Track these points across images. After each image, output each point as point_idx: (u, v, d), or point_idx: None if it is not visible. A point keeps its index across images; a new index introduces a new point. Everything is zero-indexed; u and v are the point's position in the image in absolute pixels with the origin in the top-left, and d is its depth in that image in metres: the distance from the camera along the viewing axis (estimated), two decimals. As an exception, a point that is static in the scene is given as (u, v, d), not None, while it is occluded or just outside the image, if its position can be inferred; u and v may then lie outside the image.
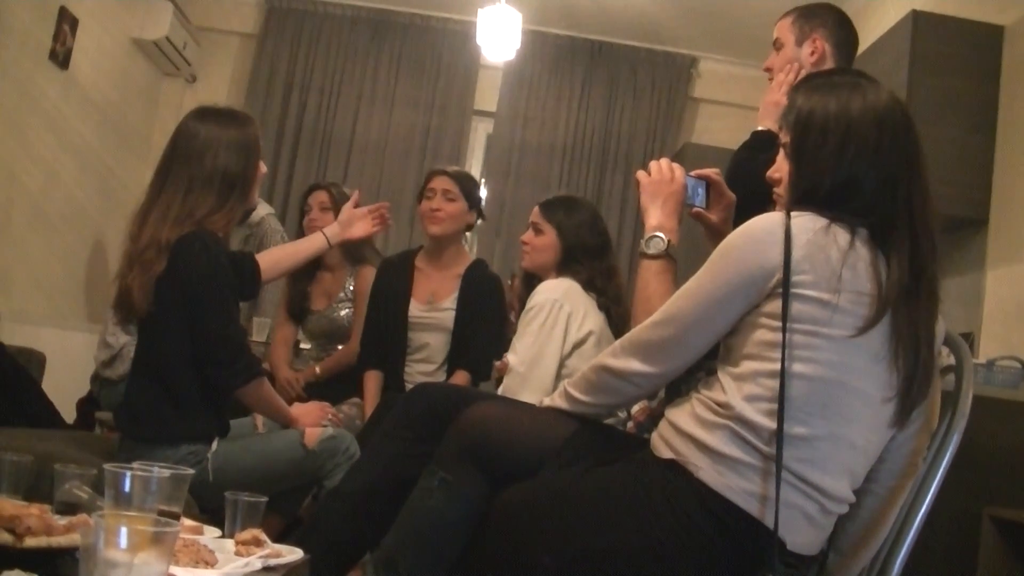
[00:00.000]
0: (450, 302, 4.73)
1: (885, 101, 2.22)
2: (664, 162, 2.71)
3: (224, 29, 8.32)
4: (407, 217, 7.86)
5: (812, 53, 3.36)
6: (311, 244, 3.92)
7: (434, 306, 4.73)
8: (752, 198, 2.49)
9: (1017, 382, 4.04)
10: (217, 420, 3.29)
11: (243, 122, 3.38)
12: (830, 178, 2.17)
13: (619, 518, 2.16)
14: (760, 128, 3.28)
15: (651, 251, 2.57)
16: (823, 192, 2.17)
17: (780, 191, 2.31)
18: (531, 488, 2.31)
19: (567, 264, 3.94)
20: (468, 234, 5.24)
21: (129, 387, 3.37)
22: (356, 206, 4.00)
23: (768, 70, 3.49)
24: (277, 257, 3.83)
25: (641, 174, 2.71)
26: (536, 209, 4.11)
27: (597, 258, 3.96)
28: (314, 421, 3.50)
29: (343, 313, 5.08)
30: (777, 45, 3.48)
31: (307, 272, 5.13)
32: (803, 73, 3.25)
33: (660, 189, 2.65)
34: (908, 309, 2.10)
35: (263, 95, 8.14)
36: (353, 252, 5.09)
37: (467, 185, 4.80)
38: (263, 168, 3.44)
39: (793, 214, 2.14)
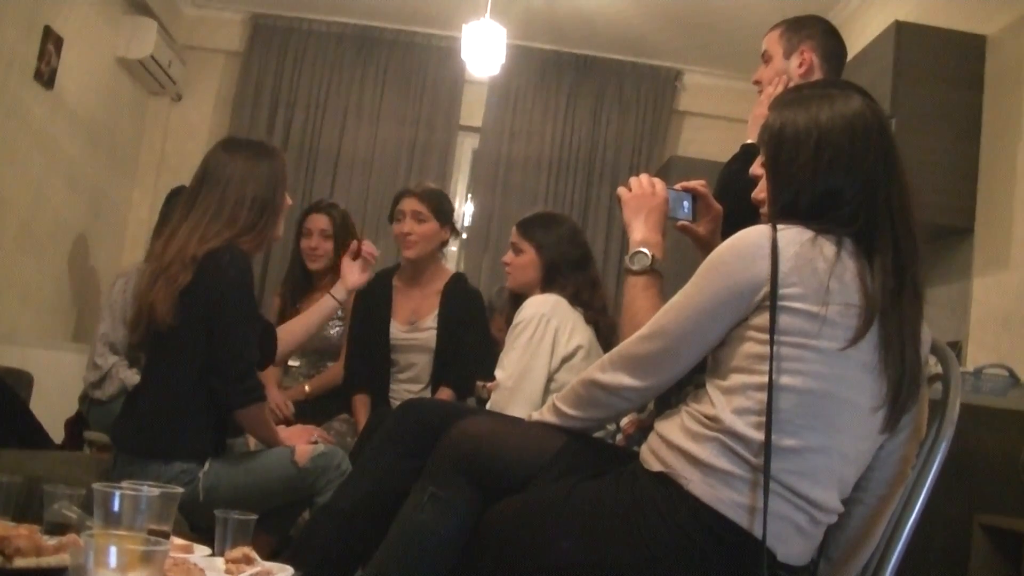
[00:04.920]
0: (431, 320, 4.74)
1: (854, 107, 2.22)
2: (644, 177, 2.72)
3: (209, 47, 8.31)
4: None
5: (800, 65, 3.37)
6: (322, 310, 3.94)
7: (416, 326, 4.74)
8: (742, 211, 2.49)
9: (1005, 390, 4.05)
10: (214, 439, 3.29)
11: (272, 154, 3.46)
12: (808, 191, 2.18)
13: (609, 531, 2.16)
14: (749, 141, 3.29)
15: (636, 267, 2.57)
16: (803, 205, 2.18)
17: (765, 210, 2.32)
18: (521, 502, 2.31)
19: (551, 280, 3.94)
20: (451, 249, 5.22)
21: (133, 401, 3.39)
22: (355, 256, 4.00)
23: (757, 83, 3.50)
24: (291, 329, 3.88)
25: (622, 190, 2.71)
26: (514, 229, 4.11)
27: (580, 270, 3.97)
28: (297, 441, 3.49)
29: (334, 332, 5.07)
30: (765, 58, 3.49)
31: (299, 291, 5.13)
32: (792, 85, 3.26)
33: (642, 204, 2.66)
34: (894, 313, 2.11)
35: (249, 112, 8.13)
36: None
37: (437, 203, 4.77)
38: (289, 200, 3.47)
39: (779, 227, 2.14)
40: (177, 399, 3.22)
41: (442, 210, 4.77)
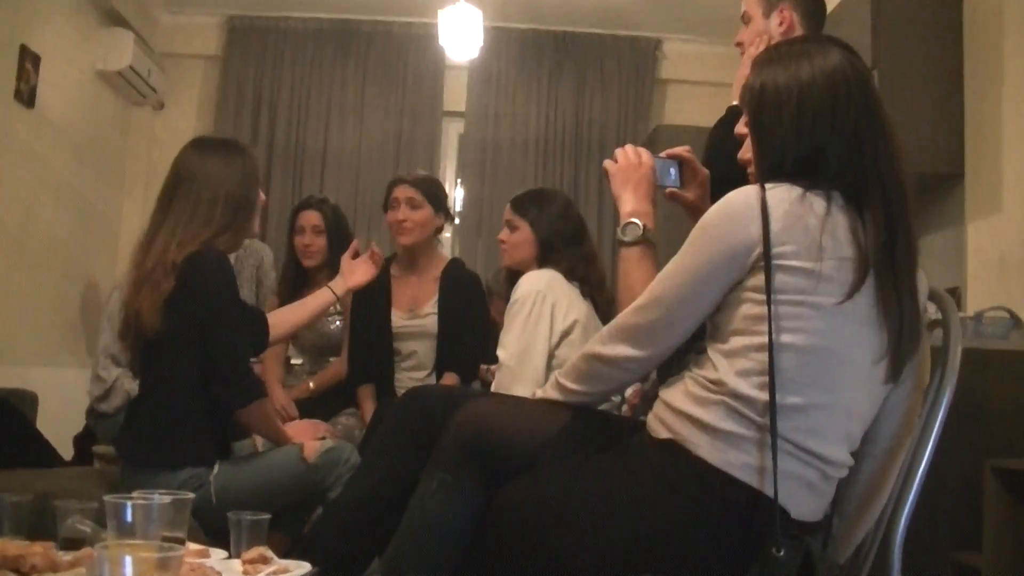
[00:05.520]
0: (431, 306, 4.74)
1: (833, 62, 2.21)
2: (630, 148, 2.70)
3: (187, 53, 8.29)
4: (386, 225, 7.80)
5: (780, 24, 3.36)
6: (318, 301, 3.93)
7: (416, 313, 4.74)
8: (730, 174, 2.49)
9: (1007, 332, 4.05)
10: (219, 444, 3.30)
11: (243, 151, 3.44)
12: (793, 149, 2.18)
13: (622, 504, 2.16)
14: (735, 103, 3.28)
15: (628, 238, 2.56)
16: (789, 164, 2.17)
17: (752, 171, 2.32)
18: (531, 482, 2.30)
19: (546, 256, 3.95)
20: (445, 236, 5.21)
21: (134, 412, 3.39)
22: (355, 255, 3.99)
23: (739, 45, 3.49)
24: (284, 316, 3.87)
25: (608, 163, 2.70)
26: (508, 207, 4.13)
27: (575, 245, 3.97)
28: (309, 439, 3.49)
29: (333, 327, 5.06)
30: (745, 19, 3.48)
31: (296, 289, 5.13)
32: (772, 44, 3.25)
33: (629, 175, 2.65)
34: (889, 264, 2.11)
35: (232, 115, 8.13)
36: (339, 266, 5.10)
37: (430, 190, 4.78)
38: (263, 196, 3.46)
39: (768, 186, 2.13)
40: (177, 406, 3.21)
41: (436, 196, 4.78)
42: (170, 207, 3.29)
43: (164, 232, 3.24)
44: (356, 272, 3.97)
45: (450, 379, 4.60)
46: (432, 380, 4.67)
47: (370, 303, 4.71)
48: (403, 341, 4.76)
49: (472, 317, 4.75)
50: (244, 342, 3.31)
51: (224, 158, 3.35)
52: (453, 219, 5.02)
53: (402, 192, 4.72)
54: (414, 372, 4.73)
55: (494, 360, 3.87)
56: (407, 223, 4.68)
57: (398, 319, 4.70)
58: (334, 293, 3.92)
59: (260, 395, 3.30)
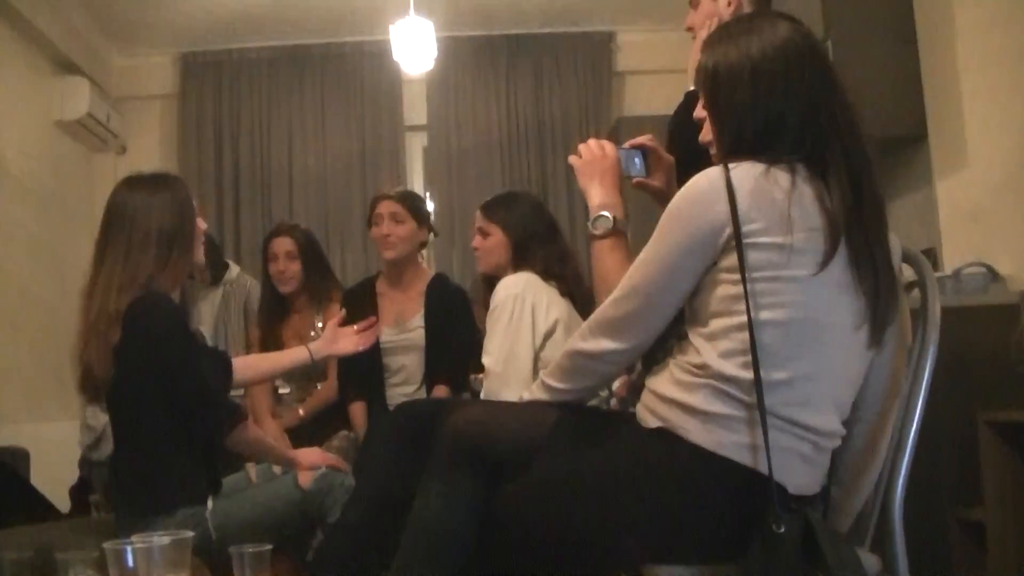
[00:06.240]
0: (418, 320, 4.76)
1: (783, 34, 2.22)
2: (592, 141, 2.71)
3: (144, 95, 8.29)
4: (360, 244, 7.87)
5: (729, 4, 3.36)
6: (293, 356, 3.87)
7: (403, 327, 4.75)
8: (694, 158, 2.50)
9: (986, 286, 4.08)
10: (208, 479, 3.26)
11: (171, 183, 3.37)
12: (751, 124, 2.18)
13: (620, 493, 2.17)
14: (692, 88, 3.29)
15: (599, 231, 2.56)
16: (748, 138, 2.18)
17: (715, 152, 2.32)
18: (527, 484, 2.30)
19: (521, 258, 3.95)
20: (424, 251, 5.23)
21: (114, 464, 3.36)
22: (342, 324, 3.93)
23: (690, 29, 3.49)
24: (255, 362, 3.87)
25: (573, 158, 2.70)
26: (478, 213, 4.14)
27: (548, 243, 3.98)
28: (313, 461, 3.45)
29: (318, 352, 5.05)
30: (693, 3, 3.48)
31: (275, 316, 5.13)
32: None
33: (595, 168, 2.65)
34: (858, 229, 2.12)
35: (195, 151, 8.14)
36: (316, 292, 5.11)
37: (413, 204, 4.82)
38: (202, 224, 3.41)
39: (731, 166, 2.14)
40: (154, 451, 3.15)
41: (419, 211, 4.83)
42: (105, 252, 3.23)
43: (103, 278, 3.18)
44: (340, 341, 3.86)
45: (441, 391, 4.61)
46: (421, 394, 4.68)
47: (357, 320, 4.70)
48: (391, 356, 4.76)
49: (459, 328, 4.77)
50: (206, 372, 3.24)
51: (151, 194, 3.28)
52: (436, 233, 5.04)
53: (385, 207, 4.75)
54: (403, 387, 4.73)
55: (481, 369, 3.87)
56: (391, 238, 4.71)
57: (386, 334, 4.70)
58: (311, 355, 3.81)
59: (240, 419, 3.24)
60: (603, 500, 2.19)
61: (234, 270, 6.16)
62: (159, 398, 3.12)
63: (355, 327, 3.89)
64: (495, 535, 2.35)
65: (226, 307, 5.93)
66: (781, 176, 2.11)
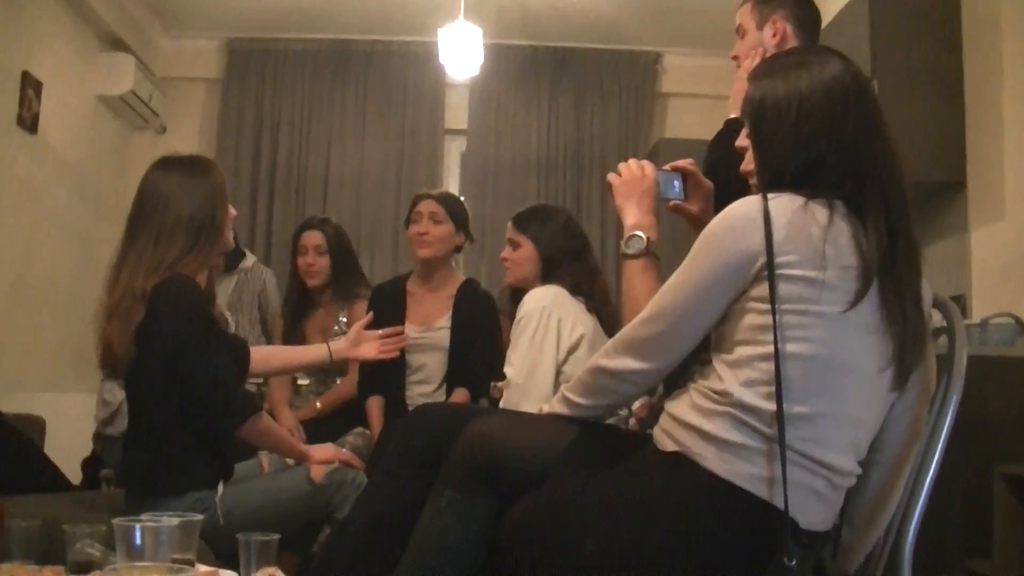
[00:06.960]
0: (444, 321, 4.76)
1: (832, 72, 2.22)
2: (633, 161, 2.72)
3: (188, 77, 8.33)
4: (390, 245, 7.90)
5: (774, 35, 3.36)
6: (312, 354, 3.91)
7: (428, 327, 4.76)
8: (731, 186, 2.49)
9: (1013, 339, 4.05)
10: (219, 465, 3.25)
11: (206, 168, 3.37)
12: (793, 160, 2.18)
13: (631, 518, 2.16)
14: (732, 116, 3.29)
15: (632, 251, 2.57)
16: (790, 175, 2.18)
17: (754, 182, 2.32)
18: (539, 501, 2.29)
19: (549, 272, 3.95)
20: (457, 256, 5.23)
21: (127, 441, 3.36)
22: (368, 327, 3.91)
23: (735, 58, 3.50)
24: (274, 353, 3.89)
25: (612, 176, 2.71)
26: (509, 224, 4.14)
27: (578, 260, 3.98)
28: (325, 457, 3.44)
29: (340, 346, 5.06)
30: (740, 32, 3.49)
31: (300, 309, 5.14)
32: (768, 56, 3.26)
33: (632, 188, 2.66)
34: (892, 272, 2.11)
35: (234, 138, 8.15)
36: (343, 288, 5.12)
37: (453, 207, 4.85)
38: (232, 211, 3.41)
39: (770, 196, 2.14)
40: (167, 433, 3.15)
41: (458, 214, 4.86)
42: (136, 232, 3.24)
43: (131, 259, 3.18)
44: (362, 346, 3.86)
45: (460, 395, 4.61)
46: (440, 394, 4.70)
47: (385, 317, 4.70)
48: (413, 354, 4.76)
49: (485, 334, 4.77)
50: (223, 363, 3.22)
51: (186, 178, 3.28)
52: (472, 239, 5.05)
53: (426, 207, 4.78)
54: (422, 386, 4.75)
55: (502, 378, 3.87)
56: (428, 236, 4.74)
57: (410, 332, 4.69)
58: (330, 354, 3.82)
59: (252, 411, 3.21)
60: (613, 525, 2.18)
61: (250, 259, 6.16)
62: (174, 382, 3.11)
63: (380, 332, 3.87)
64: (502, 553, 2.35)
65: (239, 296, 5.93)
66: (819, 211, 2.11)
